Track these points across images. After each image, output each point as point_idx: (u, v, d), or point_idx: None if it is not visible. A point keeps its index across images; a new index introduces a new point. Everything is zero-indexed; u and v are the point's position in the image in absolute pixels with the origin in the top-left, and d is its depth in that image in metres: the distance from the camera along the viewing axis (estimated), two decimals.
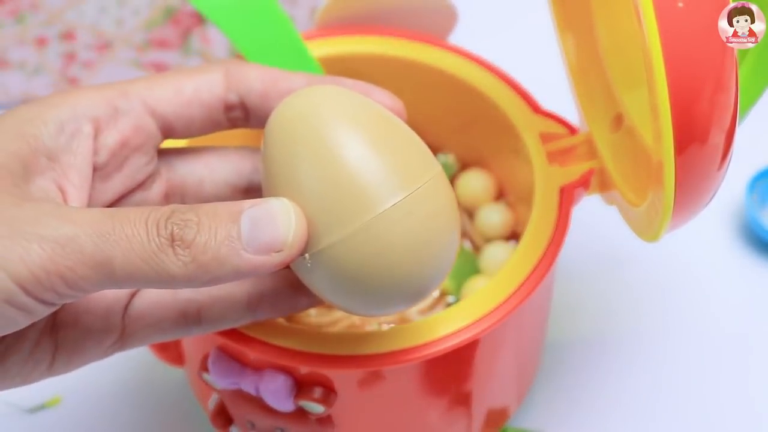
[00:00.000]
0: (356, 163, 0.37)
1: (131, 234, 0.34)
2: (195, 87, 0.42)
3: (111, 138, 0.41)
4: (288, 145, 0.38)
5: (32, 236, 0.34)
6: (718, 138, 0.40)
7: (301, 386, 0.48)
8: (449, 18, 0.60)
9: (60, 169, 0.39)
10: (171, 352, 0.56)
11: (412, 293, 0.39)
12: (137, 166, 0.42)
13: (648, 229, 0.46)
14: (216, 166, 0.44)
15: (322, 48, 0.57)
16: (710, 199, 0.43)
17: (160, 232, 0.35)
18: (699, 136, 0.39)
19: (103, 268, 0.35)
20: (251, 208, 0.36)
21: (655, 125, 0.40)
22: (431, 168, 0.39)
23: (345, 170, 0.37)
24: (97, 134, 0.41)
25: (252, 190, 0.44)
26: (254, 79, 0.43)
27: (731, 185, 0.60)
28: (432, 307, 0.56)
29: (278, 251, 0.36)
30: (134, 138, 0.42)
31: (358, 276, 0.38)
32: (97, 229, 0.34)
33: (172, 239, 0.35)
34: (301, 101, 0.39)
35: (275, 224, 0.36)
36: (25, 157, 0.38)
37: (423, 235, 0.38)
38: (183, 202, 0.43)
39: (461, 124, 0.58)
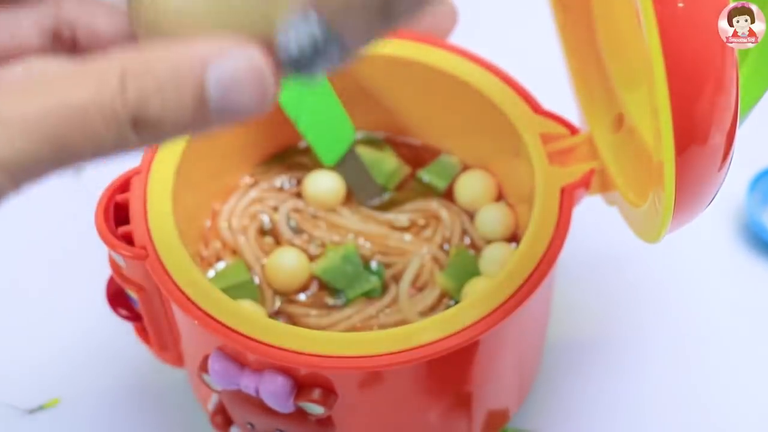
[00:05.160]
0: None
1: (89, 132, 0.30)
2: None
3: None
4: None
5: None
6: (718, 139, 0.39)
7: (300, 387, 0.48)
8: (449, 18, 0.60)
9: None
10: (171, 353, 0.56)
11: None
12: None
13: (649, 230, 0.46)
14: None
15: None
16: (711, 200, 0.43)
17: (119, 118, 0.30)
18: (699, 136, 0.39)
19: (60, 165, 0.31)
20: (218, 62, 0.31)
21: (656, 125, 0.40)
22: None
23: None
24: None
25: None
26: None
27: (732, 185, 0.60)
28: (432, 308, 0.55)
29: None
30: None
31: None
32: (49, 137, 0.30)
33: (134, 123, 0.30)
34: None
35: (249, 91, 0.31)
36: None
37: None
38: None
39: (462, 124, 0.58)
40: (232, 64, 0.31)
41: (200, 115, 0.31)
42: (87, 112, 0.30)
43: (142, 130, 0.30)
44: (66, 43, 0.36)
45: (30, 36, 0.35)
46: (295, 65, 0.30)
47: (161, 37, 0.32)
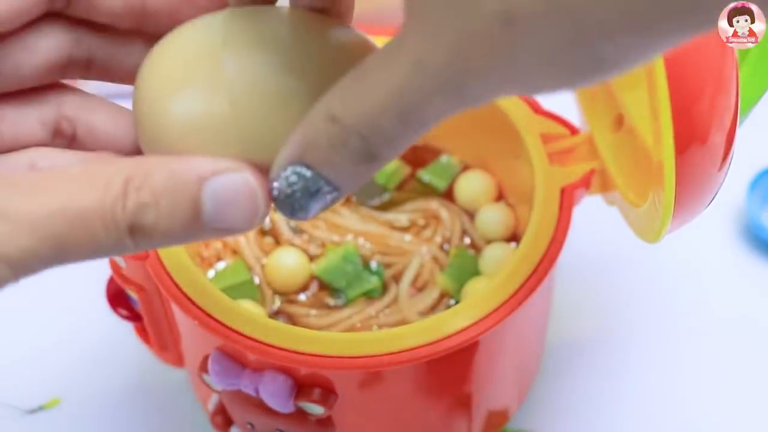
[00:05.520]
0: None
1: (89, 234, 0.32)
2: None
3: None
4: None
5: None
6: (718, 138, 0.39)
7: (300, 387, 0.48)
8: None
9: None
10: (171, 353, 0.56)
11: None
12: None
13: (649, 230, 0.46)
14: (34, 45, 0.37)
15: None
16: (711, 200, 0.43)
17: (118, 225, 0.32)
18: (699, 136, 0.39)
19: (59, 263, 0.33)
20: (213, 179, 0.32)
21: (656, 126, 0.40)
22: None
23: None
24: None
25: (73, 66, 0.38)
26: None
27: (732, 186, 0.60)
28: (432, 308, 0.55)
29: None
30: None
31: None
32: (51, 237, 0.32)
33: (131, 230, 0.32)
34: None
35: (241, 209, 0.33)
36: None
37: None
38: None
39: (462, 124, 0.58)
40: (228, 181, 0.32)
41: (192, 227, 0.32)
42: (89, 216, 0.31)
43: (138, 236, 0.32)
44: (66, 137, 0.38)
45: (33, 129, 0.37)
46: (287, 207, 0.32)
47: (163, 149, 0.34)
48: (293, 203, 0.32)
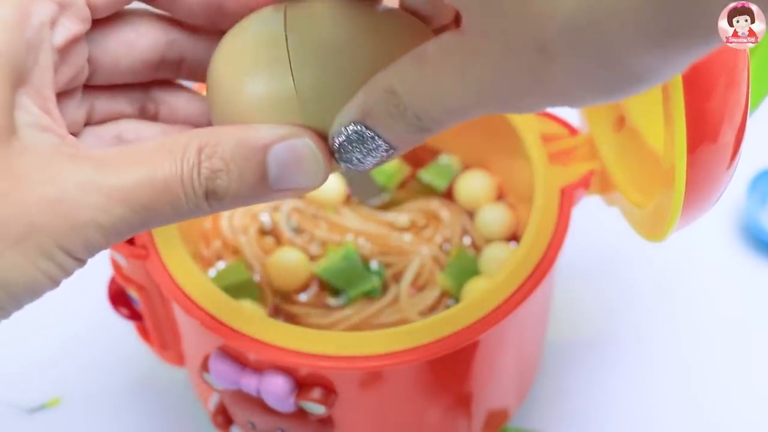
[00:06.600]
0: None
1: (172, 201, 0.35)
2: None
3: (61, 35, 0.37)
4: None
5: (87, 224, 0.34)
6: (729, 136, 0.39)
7: (301, 387, 0.48)
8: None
9: (33, 89, 0.36)
10: (172, 352, 0.56)
11: None
12: (80, 55, 0.39)
13: (654, 229, 0.46)
14: (133, 43, 0.40)
15: None
16: (719, 198, 0.43)
17: (196, 191, 0.35)
18: (710, 134, 0.39)
19: (145, 228, 0.36)
20: (277, 145, 0.36)
21: (668, 125, 0.40)
22: None
23: None
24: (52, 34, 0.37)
25: (164, 65, 0.41)
26: None
27: (732, 186, 0.60)
28: (432, 308, 0.56)
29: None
30: (82, 30, 0.38)
31: None
32: (140, 205, 0.35)
33: (206, 194, 0.35)
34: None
35: (303, 170, 0.36)
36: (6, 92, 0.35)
37: None
38: (94, 76, 0.40)
39: (462, 124, 0.58)
40: (290, 146, 0.36)
41: (260, 190, 0.36)
42: (171, 184, 0.35)
43: (212, 200, 0.36)
44: (150, 116, 0.42)
45: (123, 107, 0.41)
46: (347, 159, 0.36)
47: (232, 122, 0.37)
48: (352, 157, 0.36)
